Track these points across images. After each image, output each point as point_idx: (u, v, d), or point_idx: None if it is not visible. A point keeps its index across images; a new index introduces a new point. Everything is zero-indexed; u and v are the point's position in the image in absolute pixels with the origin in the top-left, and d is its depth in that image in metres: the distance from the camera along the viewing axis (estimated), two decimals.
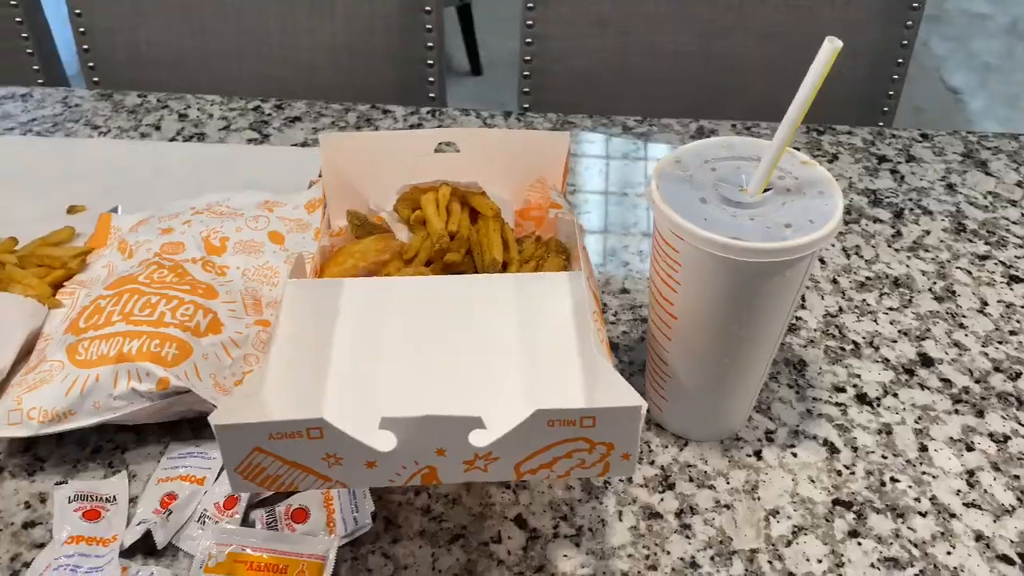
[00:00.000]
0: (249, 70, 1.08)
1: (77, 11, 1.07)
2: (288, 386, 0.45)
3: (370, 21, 1.04)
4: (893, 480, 0.52)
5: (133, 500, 0.51)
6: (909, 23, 1.00)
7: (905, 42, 1.02)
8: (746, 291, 0.44)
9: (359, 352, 0.48)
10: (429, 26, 1.05)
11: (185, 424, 0.55)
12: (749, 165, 0.47)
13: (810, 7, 1.00)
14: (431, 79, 1.09)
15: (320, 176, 0.68)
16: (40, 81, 1.14)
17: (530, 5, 1.02)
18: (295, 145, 0.80)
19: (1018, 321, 0.63)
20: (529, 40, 1.05)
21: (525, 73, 1.07)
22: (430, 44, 1.07)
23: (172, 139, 0.80)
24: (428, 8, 1.04)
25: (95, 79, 1.12)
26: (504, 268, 0.58)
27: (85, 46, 1.10)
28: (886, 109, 1.06)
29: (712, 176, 0.46)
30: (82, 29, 1.09)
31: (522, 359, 0.48)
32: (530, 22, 1.03)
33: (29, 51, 1.16)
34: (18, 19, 1.13)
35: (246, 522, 0.50)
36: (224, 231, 0.63)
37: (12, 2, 1.11)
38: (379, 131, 0.80)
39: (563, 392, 0.45)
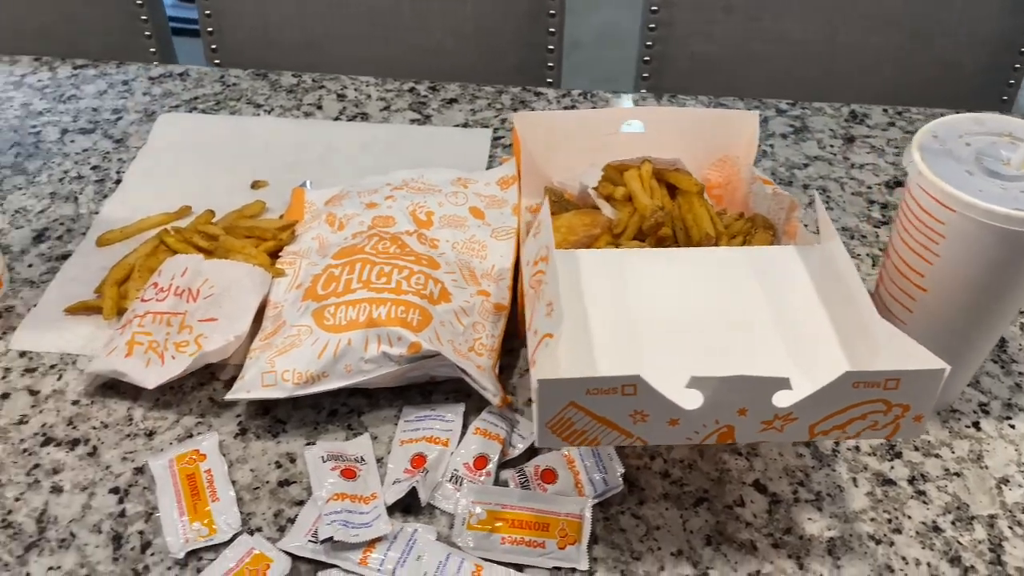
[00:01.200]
0: (376, 52, 1.09)
1: None
2: (572, 347, 0.47)
3: (499, 5, 1.05)
4: None
5: (379, 460, 0.53)
6: None
7: None
8: (1012, 263, 0.46)
9: (622, 318, 0.50)
10: (553, 11, 1.07)
11: (414, 388, 0.57)
12: (1002, 141, 0.48)
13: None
14: (550, 64, 1.11)
15: (511, 154, 0.69)
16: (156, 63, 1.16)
17: None
18: (456, 126, 0.81)
19: None
20: (652, 26, 1.06)
21: (645, 58, 1.08)
22: (552, 29, 1.08)
23: (336, 118, 0.82)
24: None
25: (216, 61, 1.14)
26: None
27: (209, 28, 1.12)
28: (1005, 98, 1.07)
29: (969, 151, 0.48)
30: (208, 12, 1.10)
31: (778, 326, 0.49)
32: (655, 7, 1.05)
33: (147, 33, 1.18)
34: (139, 2, 1.15)
35: (497, 482, 0.52)
36: (428, 206, 0.64)
37: None
38: (570, 111, 0.81)
39: (833, 357, 0.47)
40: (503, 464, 0.52)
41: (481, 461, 0.52)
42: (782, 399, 0.41)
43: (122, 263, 0.63)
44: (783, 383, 0.40)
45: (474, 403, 0.55)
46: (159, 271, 0.60)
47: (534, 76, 1.10)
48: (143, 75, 0.87)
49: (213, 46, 1.13)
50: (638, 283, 0.52)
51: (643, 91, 1.09)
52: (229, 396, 0.53)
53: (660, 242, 0.60)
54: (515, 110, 0.84)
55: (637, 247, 0.58)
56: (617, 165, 0.64)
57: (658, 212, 0.59)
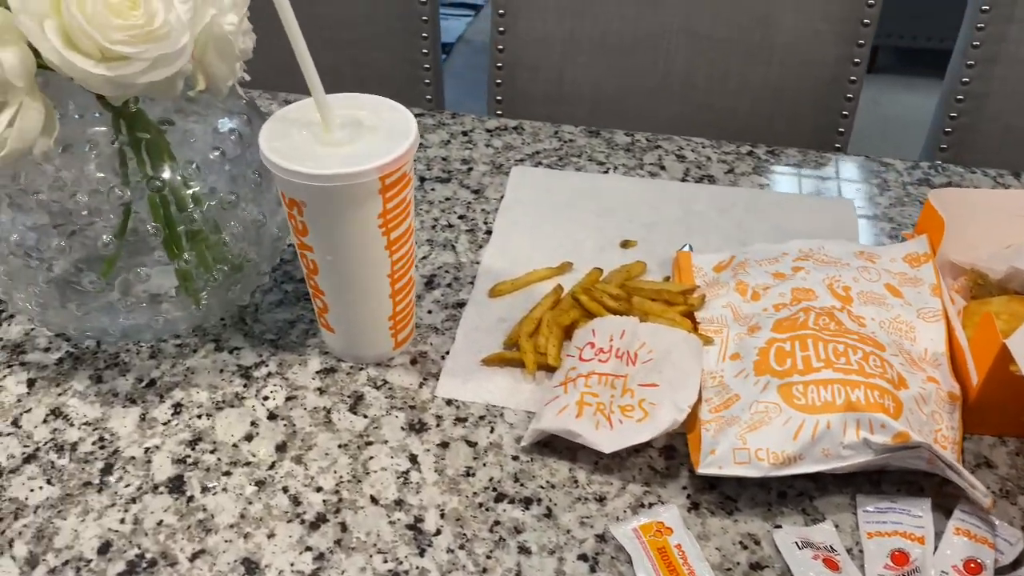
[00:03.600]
0: (665, 110, 1.10)
1: (500, 47, 1.12)
2: None
3: (802, 71, 1.04)
4: None
5: (848, 551, 0.50)
6: None
7: None
8: None
9: None
10: (854, 78, 1.04)
11: (862, 476, 0.54)
12: None
13: None
14: (841, 129, 1.08)
15: (915, 231, 0.67)
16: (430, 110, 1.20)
17: (970, 63, 1.00)
18: (809, 194, 0.79)
19: None
20: (960, 97, 1.02)
21: (947, 129, 1.04)
22: (850, 96, 1.06)
23: (683, 179, 0.81)
24: (857, 60, 1.03)
25: (498, 112, 1.16)
26: None
27: (498, 80, 1.14)
28: None
29: None
30: (499, 64, 1.13)
31: None
32: (966, 79, 1.01)
33: (427, 81, 1.22)
34: (424, 51, 1.19)
35: None
36: (843, 280, 0.62)
37: (423, 35, 1.18)
38: (983, 189, 0.77)
39: None
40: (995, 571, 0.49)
41: (974, 567, 0.48)
42: None
43: (529, 317, 0.64)
44: None
45: (935, 498, 0.52)
46: (591, 330, 0.59)
47: (825, 139, 1.08)
48: (479, 127, 0.89)
49: (498, 97, 1.16)
50: None
51: (940, 163, 1.06)
52: (702, 470, 0.52)
53: None
54: (865, 181, 0.81)
55: None
56: None
57: None
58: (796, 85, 1.05)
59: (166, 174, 0.56)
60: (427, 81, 1.21)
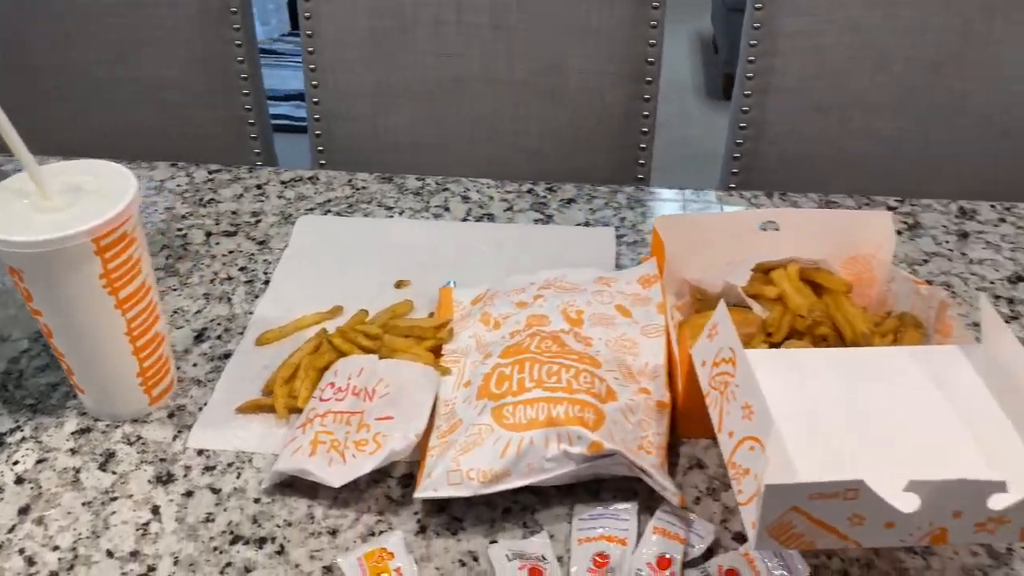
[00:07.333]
0: (480, 152, 1.15)
1: (316, 100, 1.16)
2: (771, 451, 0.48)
3: (597, 111, 1.11)
4: None
5: (559, 559, 0.54)
6: None
7: None
8: None
9: (805, 419, 0.51)
10: (646, 113, 1.12)
11: (581, 487, 0.58)
12: None
13: None
14: (641, 161, 1.15)
15: (649, 254, 0.73)
16: (258, 163, 1.23)
17: (747, 93, 1.08)
18: (578, 225, 0.85)
19: None
20: (743, 124, 1.10)
21: (736, 155, 1.13)
22: (645, 129, 1.13)
23: (464, 219, 0.86)
24: (647, 96, 1.10)
25: (322, 162, 1.20)
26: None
27: (317, 131, 1.18)
28: None
29: None
30: (317, 116, 1.17)
31: (962, 426, 0.51)
32: (745, 107, 1.09)
33: (253, 135, 1.25)
34: (247, 107, 1.22)
35: None
36: (577, 304, 0.67)
37: (244, 91, 1.21)
38: (705, 213, 0.84)
39: (1021, 456, 0.48)
40: (688, 563, 0.53)
41: (664, 562, 0.53)
42: (998, 502, 0.42)
43: (287, 362, 0.66)
44: (999, 486, 0.41)
45: (644, 501, 0.57)
46: (334, 371, 0.62)
47: (626, 172, 1.15)
48: (275, 179, 0.92)
49: (320, 148, 1.19)
50: (814, 383, 0.54)
51: (732, 188, 1.13)
52: (417, 494, 0.55)
53: (816, 341, 0.62)
54: (631, 208, 0.87)
55: (800, 346, 0.60)
56: (762, 265, 0.67)
57: (814, 312, 0.62)
58: (593, 124, 1.12)
59: None
60: (253, 135, 1.23)
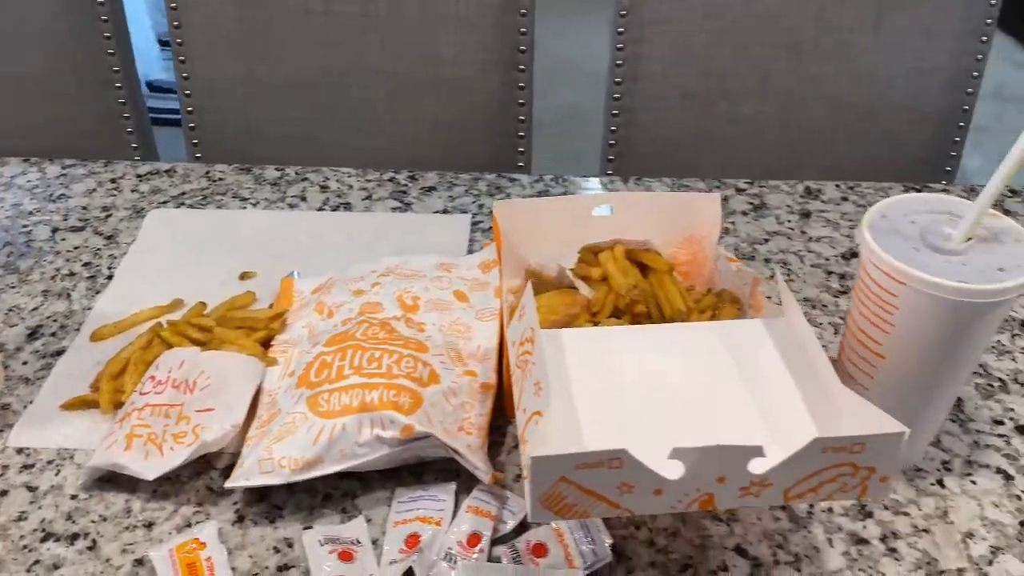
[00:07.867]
0: (356, 144, 1.14)
1: (187, 92, 1.14)
2: (560, 424, 0.50)
3: (472, 100, 1.11)
4: None
5: (374, 542, 0.54)
6: (969, 90, 1.09)
7: (966, 107, 1.10)
8: (959, 330, 0.50)
9: (605, 393, 0.53)
10: (522, 101, 1.13)
11: (406, 470, 0.59)
12: (943, 218, 0.53)
13: (888, 79, 1.08)
14: (520, 149, 1.16)
15: (491, 239, 0.74)
16: (137, 158, 1.20)
17: (618, 80, 1.10)
18: (436, 212, 0.85)
19: None
20: (615, 111, 1.12)
21: (611, 141, 1.14)
22: (522, 118, 1.14)
23: (320, 209, 0.85)
24: (522, 84, 1.11)
25: (198, 155, 1.18)
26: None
27: (192, 124, 1.16)
28: (948, 169, 1.14)
29: (915, 228, 0.52)
30: (190, 108, 1.15)
31: (750, 396, 0.52)
32: (617, 94, 1.11)
33: (129, 130, 1.22)
34: (121, 100, 1.19)
35: (491, 558, 0.53)
36: (414, 291, 0.67)
37: (117, 84, 1.18)
38: (544, 198, 0.85)
39: (802, 423, 0.50)
40: (495, 540, 0.54)
41: (474, 539, 0.54)
42: (757, 466, 0.44)
43: (117, 357, 0.65)
44: (757, 451, 0.43)
45: (464, 482, 0.57)
46: (156, 364, 0.62)
47: (506, 160, 1.16)
48: (131, 172, 0.90)
49: (195, 140, 1.17)
50: (619, 359, 0.55)
51: (610, 173, 1.15)
52: (228, 484, 0.55)
53: (636, 319, 0.63)
54: (491, 195, 0.88)
55: (615, 324, 0.61)
56: (591, 247, 0.68)
57: (633, 291, 0.63)
58: (468, 114, 1.12)
59: None
60: (129, 130, 1.21)
